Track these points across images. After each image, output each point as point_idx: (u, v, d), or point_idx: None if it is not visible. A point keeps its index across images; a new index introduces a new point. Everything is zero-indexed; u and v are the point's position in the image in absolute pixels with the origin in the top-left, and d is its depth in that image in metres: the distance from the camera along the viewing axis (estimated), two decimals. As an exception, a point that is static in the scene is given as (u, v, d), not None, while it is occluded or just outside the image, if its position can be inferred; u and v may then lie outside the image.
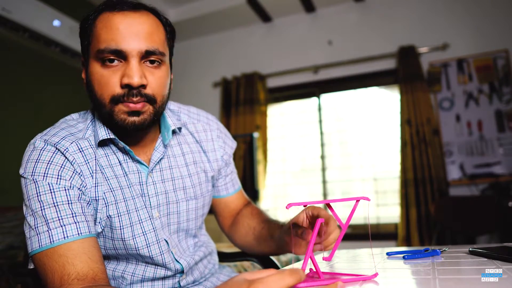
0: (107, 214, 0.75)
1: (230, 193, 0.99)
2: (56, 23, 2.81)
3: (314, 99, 3.61)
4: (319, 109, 3.57)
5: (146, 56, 0.73)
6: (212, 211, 1.02)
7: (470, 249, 0.74)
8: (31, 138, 0.76)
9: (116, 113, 0.73)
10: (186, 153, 0.89)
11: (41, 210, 0.68)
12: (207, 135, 0.93)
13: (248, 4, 3.41)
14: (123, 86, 0.71)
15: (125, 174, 0.78)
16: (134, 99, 0.72)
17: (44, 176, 0.70)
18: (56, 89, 2.99)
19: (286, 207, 0.53)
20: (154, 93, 0.74)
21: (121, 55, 0.71)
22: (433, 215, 2.73)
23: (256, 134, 3.22)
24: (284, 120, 3.71)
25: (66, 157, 0.72)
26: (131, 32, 0.71)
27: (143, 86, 0.72)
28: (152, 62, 0.74)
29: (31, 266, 0.72)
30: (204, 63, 4.01)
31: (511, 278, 0.49)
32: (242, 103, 3.65)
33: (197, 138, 0.92)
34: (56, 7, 2.84)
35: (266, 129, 3.60)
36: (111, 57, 0.71)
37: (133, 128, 0.74)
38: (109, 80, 0.72)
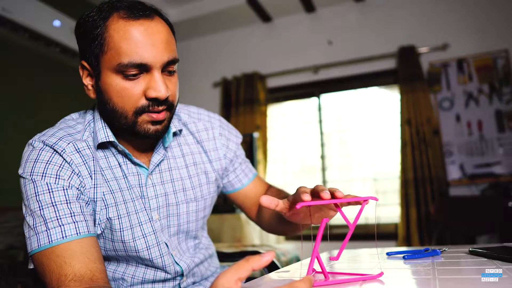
0: (107, 216, 0.75)
1: (244, 184, 0.97)
2: (56, 23, 2.81)
3: (314, 99, 3.61)
4: (319, 109, 3.57)
5: (166, 65, 0.73)
6: (237, 205, 1.00)
7: (470, 249, 0.74)
8: (31, 138, 0.76)
9: (139, 124, 0.73)
10: (186, 154, 0.88)
11: (40, 209, 0.67)
12: (208, 134, 0.92)
13: (248, 4, 3.41)
14: (149, 99, 0.71)
15: (124, 176, 0.78)
16: (160, 108, 0.73)
17: (42, 176, 0.69)
18: (56, 89, 2.98)
19: (296, 207, 0.53)
20: (173, 100, 0.76)
21: (145, 68, 0.70)
22: (433, 215, 2.73)
23: (256, 134, 3.21)
24: (284, 120, 3.71)
25: (63, 158, 0.72)
26: (151, 43, 0.70)
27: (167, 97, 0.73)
28: (170, 71, 0.74)
29: (31, 266, 0.72)
30: (204, 63, 4.01)
31: (511, 278, 0.49)
32: (242, 103, 3.64)
33: (198, 138, 0.91)
34: (56, 7, 2.84)
35: (266, 129, 3.60)
36: (135, 72, 0.70)
37: (156, 136, 0.75)
38: (132, 92, 0.71)
